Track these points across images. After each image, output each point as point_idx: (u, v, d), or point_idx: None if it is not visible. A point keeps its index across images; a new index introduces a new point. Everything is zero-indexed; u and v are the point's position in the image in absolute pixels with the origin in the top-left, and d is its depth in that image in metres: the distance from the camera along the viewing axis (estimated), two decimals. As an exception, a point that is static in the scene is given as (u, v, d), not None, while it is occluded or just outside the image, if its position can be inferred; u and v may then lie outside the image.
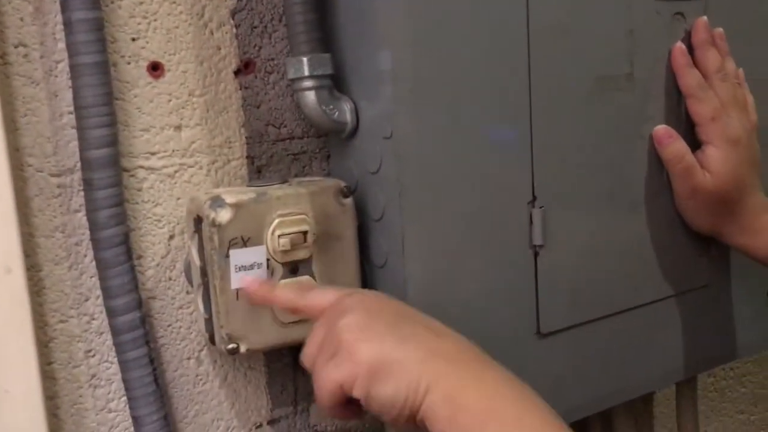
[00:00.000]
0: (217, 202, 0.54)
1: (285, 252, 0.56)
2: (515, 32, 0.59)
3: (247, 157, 0.62)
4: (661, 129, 0.65)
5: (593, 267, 0.65)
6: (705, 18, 0.67)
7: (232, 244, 0.54)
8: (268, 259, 0.56)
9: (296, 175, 0.64)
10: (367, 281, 0.60)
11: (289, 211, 0.56)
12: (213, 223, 0.54)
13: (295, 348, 0.63)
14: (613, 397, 0.70)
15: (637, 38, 0.65)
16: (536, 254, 0.61)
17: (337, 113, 0.60)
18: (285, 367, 0.64)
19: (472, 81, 0.58)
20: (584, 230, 0.64)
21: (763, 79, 0.74)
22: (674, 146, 0.65)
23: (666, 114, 0.68)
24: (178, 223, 0.59)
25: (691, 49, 0.67)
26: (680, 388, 0.81)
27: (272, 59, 0.62)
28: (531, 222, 0.61)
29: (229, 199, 0.54)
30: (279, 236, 0.55)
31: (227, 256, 0.54)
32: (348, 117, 0.60)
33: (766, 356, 0.97)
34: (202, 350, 0.60)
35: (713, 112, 0.64)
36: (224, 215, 0.54)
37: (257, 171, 0.62)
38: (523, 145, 0.60)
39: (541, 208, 0.61)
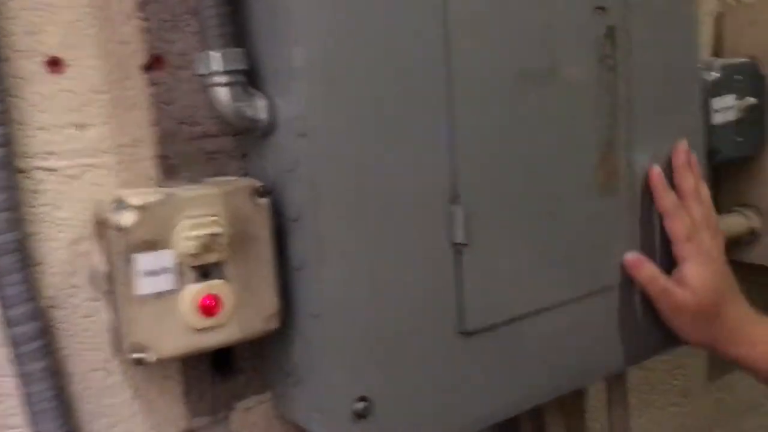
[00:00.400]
0: (120, 204, 0.52)
1: (195, 255, 0.53)
2: (433, 24, 0.58)
3: (158, 157, 0.59)
4: (631, 257, 0.69)
5: (518, 265, 0.64)
6: (686, 142, 0.71)
7: (138, 248, 0.51)
8: (178, 263, 0.53)
9: (214, 175, 0.61)
10: (285, 283, 0.58)
11: (200, 213, 0.54)
12: (116, 227, 0.51)
13: (214, 354, 0.61)
14: (542, 394, 0.69)
15: (558, 32, 0.64)
16: (459, 252, 0.60)
17: (251, 110, 0.57)
18: (203, 374, 0.61)
19: (389, 76, 0.56)
20: (509, 227, 0.63)
21: (684, 67, 0.75)
22: (646, 271, 0.69)
23: (590, 110, 0.67)
24: (83, 227, 0.56)
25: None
26: (610, 383, 0.82)
27: (184, 54, 0.59)
28: (453, 219, 0.59)
29: (134, 200, 0.52)
30: (188, 239, 0.53)
31: (132, 261, 0.51)
32: (263, 114, 0.58)
33: (693, 349, 0.98)
34: (111, 360, 0.57)
35: (688, 231, 0.69)
36: (128, 218, 0.51)
37: (170, 171, 0.59)
38: (445, 142, 0.59)
39: (463, 205, 0.60)
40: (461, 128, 0.59)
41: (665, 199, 0.70)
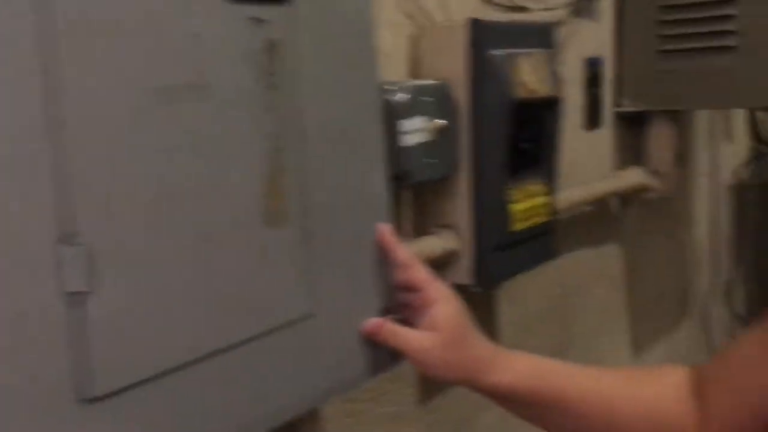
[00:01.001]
0: None
1: None
2: (28, 27, 0.47)
3: None
4: (369, 324, 0.71)
5: (163, 311, 0.55)
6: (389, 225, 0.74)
7: None
8: None
9: None
10: None
11: None
12: None
13: None
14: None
15: (206, 44, 0.57)
16: (78, 302, 0.50)
17: None
18: None
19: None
20: (150, 268, 0.54)
21: (364, 87, 0.72)
22: (386, 332, 0.71)
23: (249, 132, 0.61)
24: None
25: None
26: (301, 422, 0.76)
27: None
28: (65, 263, 0.49)
29: None
30: None
31: None
32: None
33: (399, 374, 0.97)
34: None
35: (429, 276, 0.72)
36: None
37: None
38: (49, 171, 0.48)
39: (82, 246, 0.50)
40: (75, 155, 0.49)
41: (402, 251, 0.73)
